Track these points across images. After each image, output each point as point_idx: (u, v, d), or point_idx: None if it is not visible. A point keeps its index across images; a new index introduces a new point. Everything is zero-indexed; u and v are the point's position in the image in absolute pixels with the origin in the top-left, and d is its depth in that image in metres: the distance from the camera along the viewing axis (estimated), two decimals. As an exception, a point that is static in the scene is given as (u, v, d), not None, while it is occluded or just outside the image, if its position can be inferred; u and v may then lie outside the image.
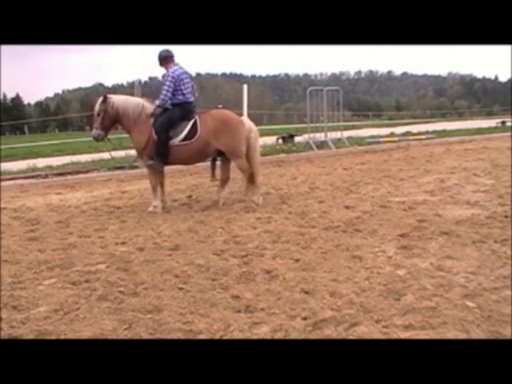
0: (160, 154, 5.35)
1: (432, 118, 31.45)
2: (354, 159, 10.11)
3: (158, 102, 5.52)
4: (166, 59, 5.60)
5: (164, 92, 5.45)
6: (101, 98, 5.51)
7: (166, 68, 5.60)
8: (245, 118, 5.96)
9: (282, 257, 3.52)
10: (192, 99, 5.63)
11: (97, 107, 5.49)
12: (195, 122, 5.42)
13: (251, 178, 5.54)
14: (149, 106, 5.56)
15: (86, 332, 2.37)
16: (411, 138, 14.13)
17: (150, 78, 72.01)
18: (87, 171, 9.37)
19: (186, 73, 5.63)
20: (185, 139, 5.36)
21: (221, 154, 5.62)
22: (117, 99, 5.52)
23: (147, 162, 5.46)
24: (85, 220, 5.14)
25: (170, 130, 5.38)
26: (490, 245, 3.55)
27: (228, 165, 5.69)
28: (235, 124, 5.47)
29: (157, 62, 5.71)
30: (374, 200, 5.46)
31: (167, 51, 5.60)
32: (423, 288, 2.77)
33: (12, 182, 8.32)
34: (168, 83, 5.43)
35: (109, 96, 5.56)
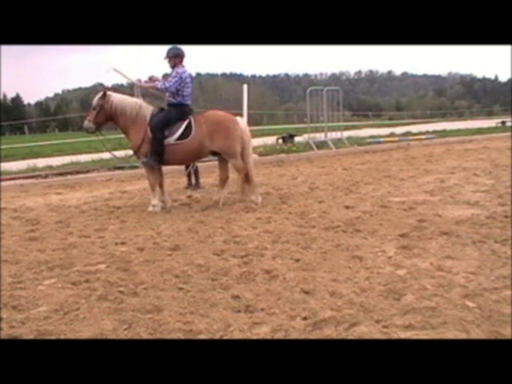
0: (156, 152, 5.36)
1: (432, 118, 31.48)
2: (353, 159, 10.12)
3: (159, 85, 5.55)
4: (178, 57, 5.57)
5: (169, 84, 5.45)
6: (100, 93, 5.51)
7: (174, 65, 5.57)
8: (239, 118, 5.96)
9: (282, 257, 3.52)
10: (189, 102, 5.69)
11: (95, 101, 5.49)
12: (190, 122, 5.45)
13: (247, 178, 5.59)
14: (147, 107, 5.59)
15: (85, 332, 2.37)
16: (411, 138, 14.15)
17: (150, 78, 71.93)
18: (87, 171, 9.38)
19: (190, 77, 5.69)
20: (179, 138, 5.39)
21: (216, 154, 5.64)
22: (116, 98, 5.51)
23: (142, 160, 5.48)
24: (85, 220, 5.14)
25: (166, 129, 5.40)
26: (490, 245, 3.55)
27: (226, 164, 5.70)
28: (229, 124, 5.49)
29: (165, 54, 5.55)
30: (374, 200, 5.46)
31: (181, 50, 5.59)
32: (423, 288, 2.77)
33: (12, 182, 8.33)
34: (176, 79, 5.46)
35: (108, 93, 5.55)
